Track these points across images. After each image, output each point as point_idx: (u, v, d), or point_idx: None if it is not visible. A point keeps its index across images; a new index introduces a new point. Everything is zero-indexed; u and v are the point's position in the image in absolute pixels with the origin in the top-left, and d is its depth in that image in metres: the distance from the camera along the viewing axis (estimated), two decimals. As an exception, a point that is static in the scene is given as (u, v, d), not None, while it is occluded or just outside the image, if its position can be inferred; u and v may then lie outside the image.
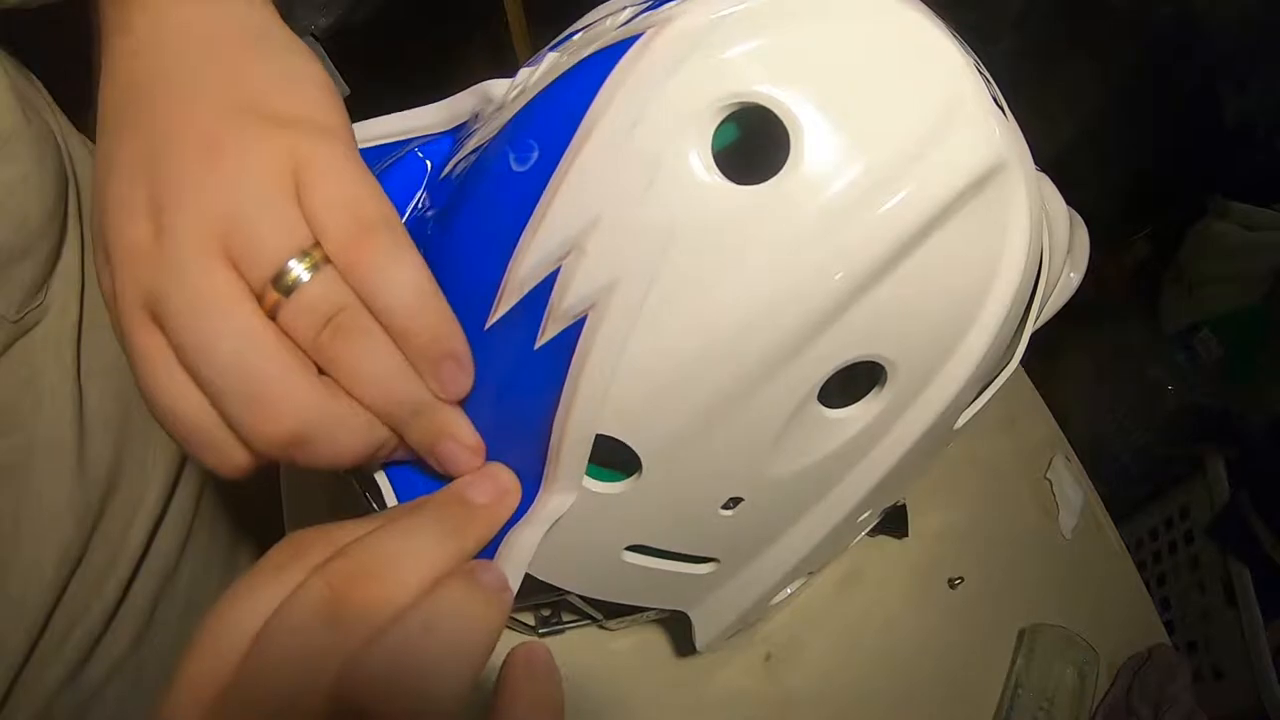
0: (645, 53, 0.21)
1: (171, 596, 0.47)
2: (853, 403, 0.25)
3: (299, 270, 0.21)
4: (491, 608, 0.21)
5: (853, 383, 0.24)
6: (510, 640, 0.22)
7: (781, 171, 0.21)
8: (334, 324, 0.22)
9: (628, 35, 0.22)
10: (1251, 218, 0.82)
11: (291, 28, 0.26)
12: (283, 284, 0.21)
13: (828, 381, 0.23)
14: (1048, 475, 0.53)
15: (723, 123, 0.21)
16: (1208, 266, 0.86)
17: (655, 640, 0.44)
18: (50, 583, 0.39)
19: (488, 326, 0.24)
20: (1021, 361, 0.31)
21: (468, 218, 0.25)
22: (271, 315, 0.22)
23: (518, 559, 0.26)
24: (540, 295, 0.23)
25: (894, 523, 0.48)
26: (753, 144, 0.24)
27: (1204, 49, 0.83)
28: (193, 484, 0.48)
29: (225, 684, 0.19)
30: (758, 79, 0.21)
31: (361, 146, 0.26)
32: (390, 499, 0.28)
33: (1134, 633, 0.49)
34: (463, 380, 0.24)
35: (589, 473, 0.25)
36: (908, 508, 0.48)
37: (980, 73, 0.22)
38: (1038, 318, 0.30)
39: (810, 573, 0.35)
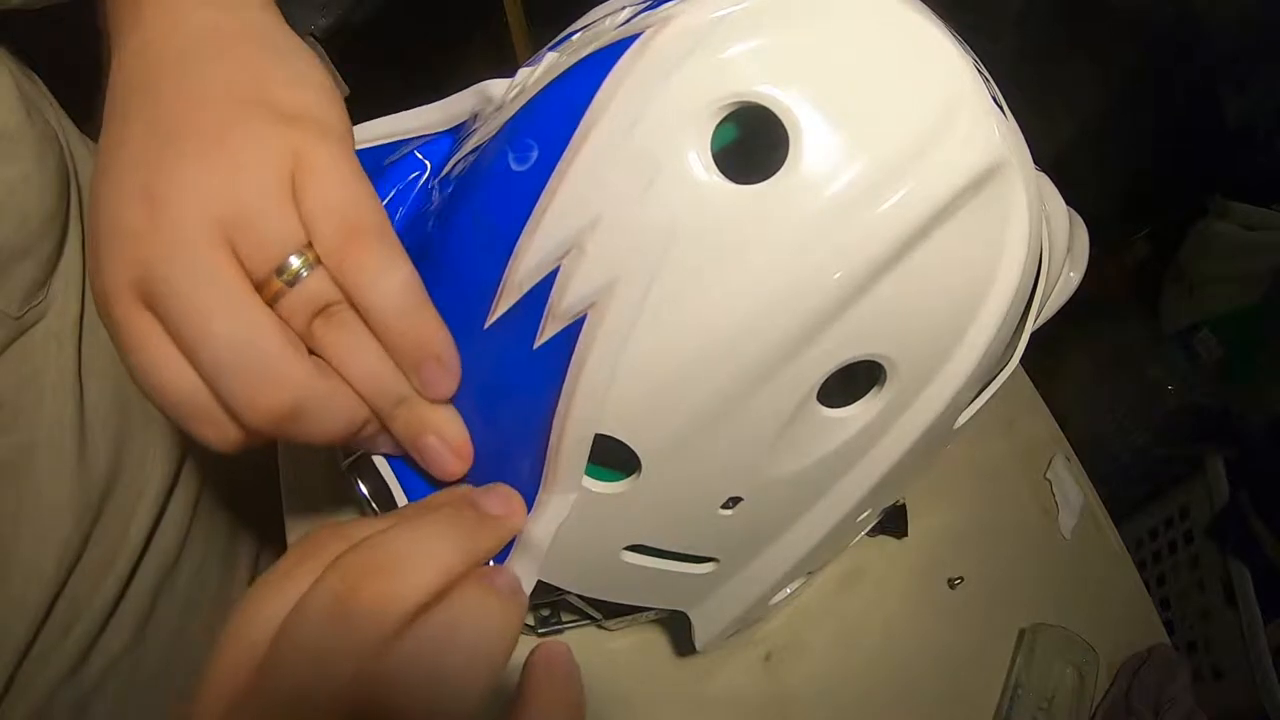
0: (644, 52, 0.21)
1: (171, 592, 0.47)
2: (853, 402, 0.25)
3: (298, 265, 0.22)
4: (509, 610, 0.21)
5: (852, 382, 0.24)
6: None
7: (781, 171, 0.21)
8: (326, 313, 0.23)
9: (627, 35, 0.22)
10: (1251, 218, 0.82)
11: (291, 28, 0.27)
12: (285, 276, 0.22)
13: (827, 381, 0.23)
14: (1048, 475, 0.53)
15: (722, 122, 0.21)
16: (1208, 266, 0.86)
17: (655, 640, 0.44)
18: (50, 579, 0.39)
19: (487, 326, 0.24)
20: (1021, 361, 0.31)
21: (467, 217, 0.25)
22: (271, 303, 0.23)
23: (528, 565, 0.26)
24: (539, 295, 0.23)
25: (894, 523, 0.48)
26: (752, 144, 0.24)
27: (1204, 49, 0.83)
28: (192, 480, 0.48)
29: (247, 683, 0.20)
30: (757, 78, 0.21)
31: (362, 147, 0.26)
32: (400, 498, 0.28)
33: (1134, 633, 0.49)
34: (446, 381, 0.25)
35: (588, 472, 0.25)
36: (907, 508, 0.48)
37: (980, 72, 0.22)
38: (1037, 317, 0.30)
39: (810, 572, 0.35)
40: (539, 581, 0.28)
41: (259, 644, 0.20)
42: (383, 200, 0.28)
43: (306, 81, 0.25)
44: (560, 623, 0.42)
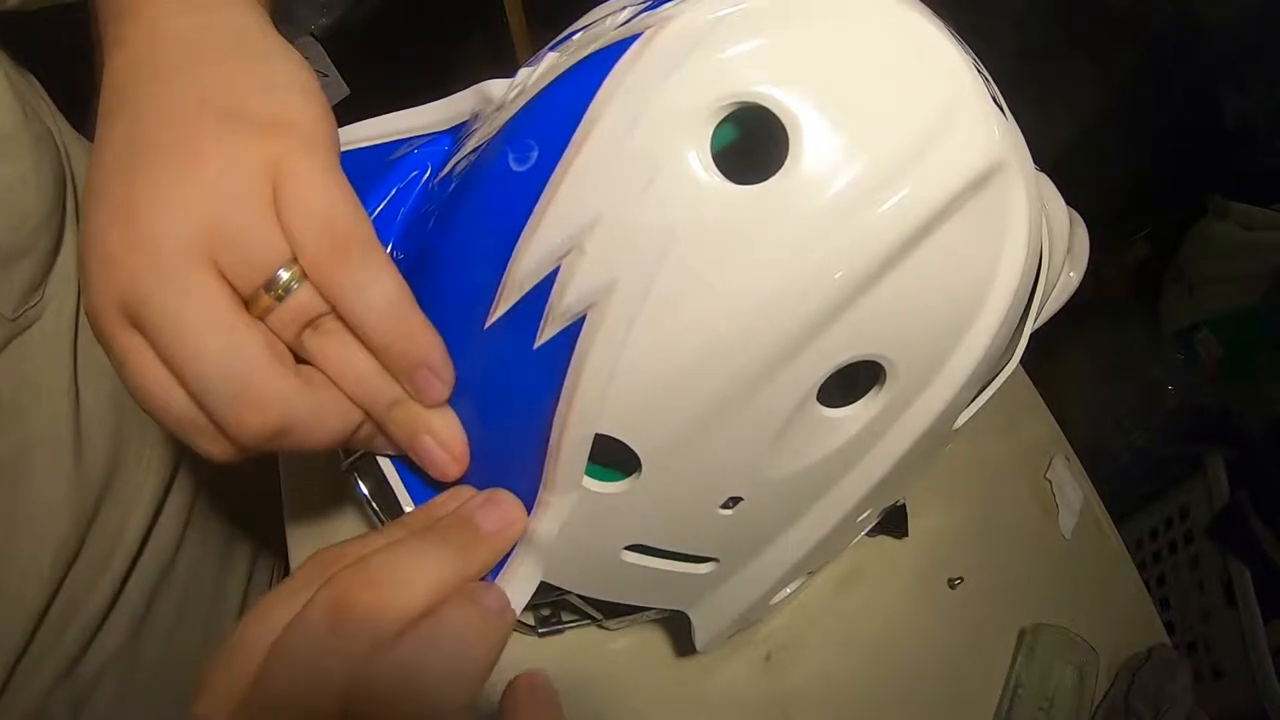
0: (644, 52, 0.21)
1: (167, 591, 0.47)
2: (852, 403, 0.25)
3: (286, 278, 0.22)
4: (492, 628, 0.22)
5: (852, 383, 0.24)
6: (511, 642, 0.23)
7: (780, 171, 0.21)
8: (316, 324, 0.23)
9: (627, 35, 0.22)
10: (1251, 218, 0.82)
11: (291, 27, 0.26)
12: (274, 292, 0.22)
13: (827, 381, 0.23)
14: (1048, 475, 0.53)
15: (722, 123, 0.21)
16: (1208, 266, 0.85)
17: (655, 640, 0.44)
18: (46, 579, 0.39)
19: (487, 326, 0.24)
20: (1021, 361, 0.31)
21: (467, 217, 0.25)
22: (260, 318, 0.23)
23: (530, 565, 0.26)
24: (540, 295, 0.23)
25: (894, 523, 0.48)
26: (752, 144, 0.24)
27: (1204, 49, 0.83)
28: (189, 480, 0.48)
29: (245, 692, 0.20)
30: (756, 79, 0.21)
31: (361, 146, 0.26)
32: (403, 496, 0.29)
33: (1134, 633, 0.49)
34: (439, 387, 0.25)
35: (588, 472, 0.25)
36: (907, 508, 0.48)
37: (979, 72, 0.22)
38: (1037, 317, 0.30)
39: (810, 572, 0.35)
40: (539, 582, 0.28)
41: (257, 657, 0.21)
42: (383, 199, 0.28)
43: (285, 86, 0.24)
44: (560, 623, 0.42)
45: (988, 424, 0.53)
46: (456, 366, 0.25)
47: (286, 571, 0.46)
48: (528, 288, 0.23)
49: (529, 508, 0.27)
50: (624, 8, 0.24)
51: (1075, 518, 0.52)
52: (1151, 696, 0.44)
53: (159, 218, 0.22)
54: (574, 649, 0.43)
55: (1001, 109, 0.23)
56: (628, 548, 0.28)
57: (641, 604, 0.32)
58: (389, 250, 0.28)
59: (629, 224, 0.21)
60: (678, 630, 0.44)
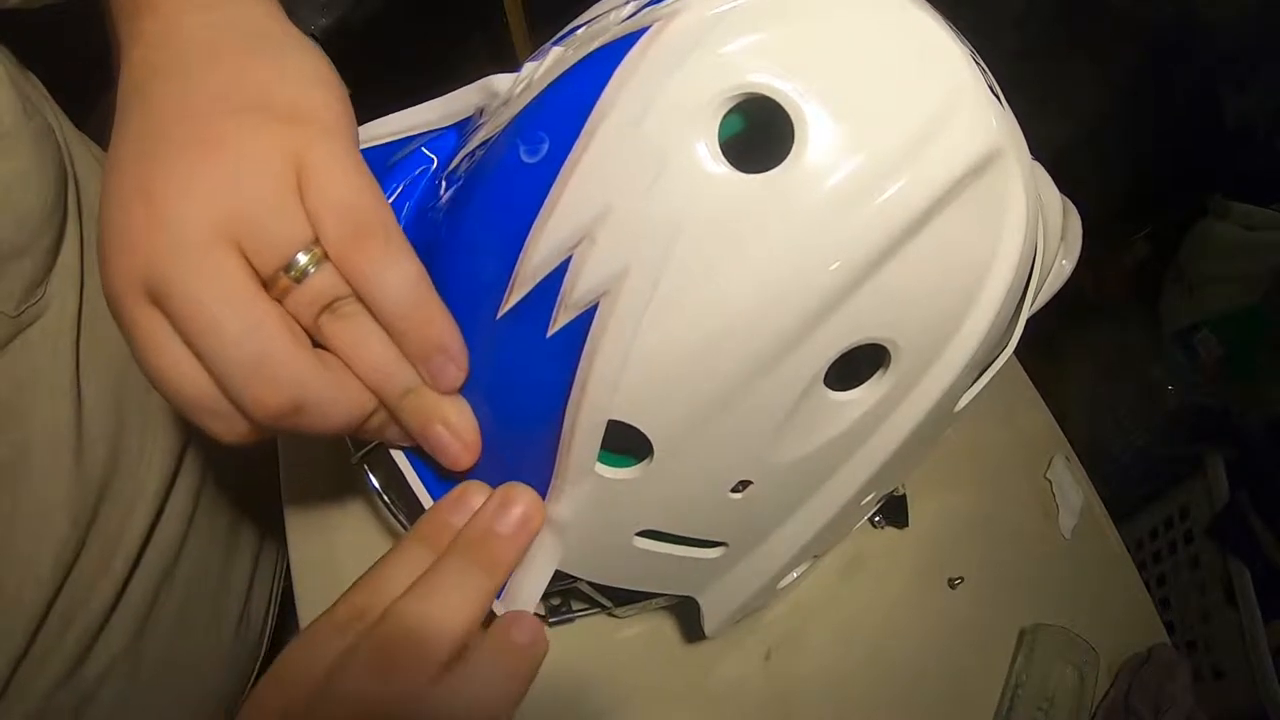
0: (652, 46, 0.22)
1: (169, 592, 0.47)
2: (852, 388, 0.25)
3: (305, 262, 0.23)
4: (524, 662, 0.25)
5: (853, 368, 0.25)
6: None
7: (787, 159, 0.21)
8: (333, 308, 0.24)
9: (634, 29, 0.22)
10: (1251, 218, 0.82)
11: (291, 27, 0.27)
12: (292, 273, 0.23)
13: (829, 367, 0.24)
14: (1048, 475, 0.53)
15: (729, 114, 0.22)
16: (1208, 266, 0.86)
17: (663, 629, 0.44)
18: (47, 580, 0.39)
19: (499, 316, 0.24)
20: (1022, 361, 0.31)
21: (478, 209, 0.25)
22: (278, 300, 0.23)
23: (545, 553, 0.27)
24: (552, 284, 0.23)
25: (895, 514, 0.48)
26: (758, 134, 0.24)
27: (1204, 49, 0.83)
28: (191, 480, 0.48)
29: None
30: (762, 70, 0.21)
31: (368, 145, 0.26)
32: (418, 488, 0.29)
33: (1134, 633, 0.49)
34: (454, 372, 0.25)
35: (600, 459, 0.25)
36: (908, 508, 0.48)
37: (976, 62, 0.23)
38: (1033, 303, 0.30)
39: (816, 556, 0.35)
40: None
41: (301, 684, 0.23)
42: (390, 196, 0.28)
43: (306, 78, 0.25)
44: (571, 611, 0.42)
45: (988, 423, 0.53)
46: (469, 357, 0.26)
47: (288, 569, 0.46)
48: (540, 278, 0.23)
49: (542, 496, 0.27)
50: (627, 2, 0.24)
51: (1075, 518, 0.52)
52: (1151, 696, 0.44)
53: (182, 199, 0.22)
54: (582, 638, 0.43)
55: (998, 98, 0.23)
56: (639, 534, 0.28)
57: (652, 590, 0.32)
58: None
59: (639, 213, 0.22)
60: (684, 618, 0.44)
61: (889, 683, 0.45)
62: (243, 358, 0.22)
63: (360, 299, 0.24)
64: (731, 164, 0.21)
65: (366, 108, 0.29)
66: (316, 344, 0.24)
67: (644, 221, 0.22)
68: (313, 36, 0.27)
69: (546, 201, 0.23)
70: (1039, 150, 0.25)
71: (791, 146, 0.21)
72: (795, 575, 0.34)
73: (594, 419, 0.24)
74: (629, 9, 0.24)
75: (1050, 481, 0.53)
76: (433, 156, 0.29)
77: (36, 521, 0.38)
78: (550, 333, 0.23)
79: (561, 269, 0.23)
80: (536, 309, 0.24)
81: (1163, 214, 0.94)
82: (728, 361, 0.23)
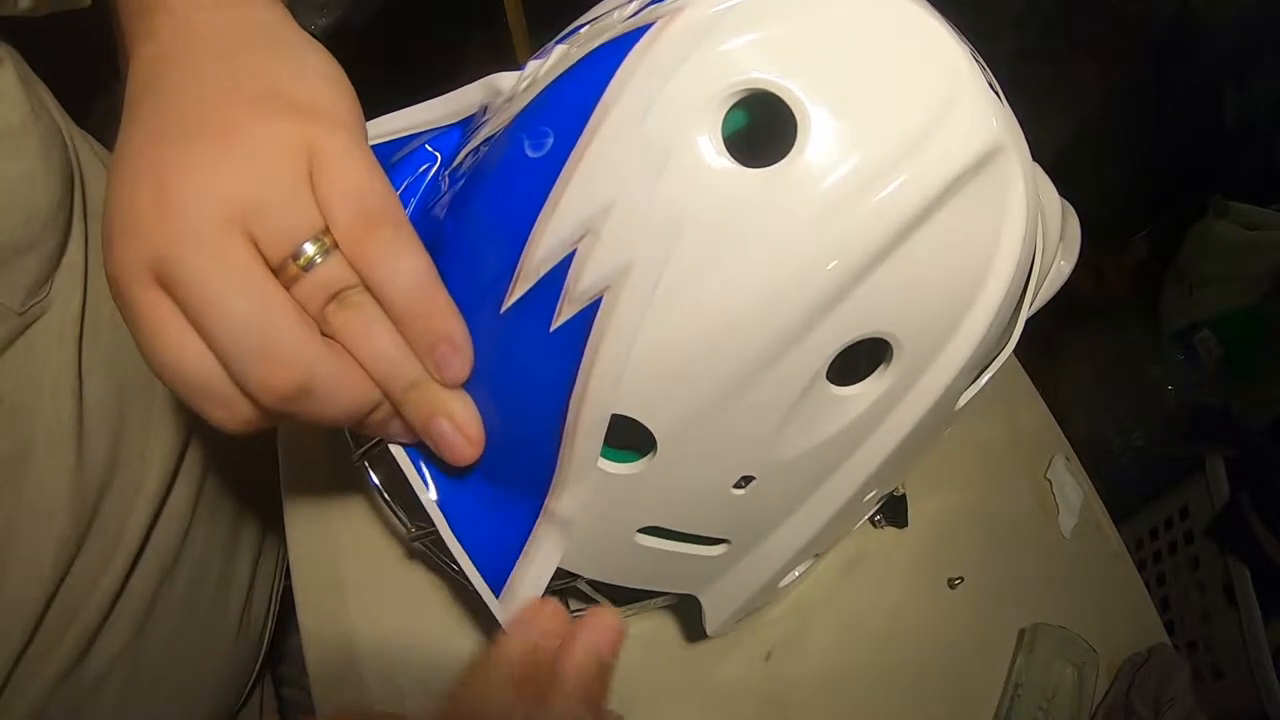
0: (656, 42, 0.22)
1: (170, 590, 0.47)
2: (852, 384, 0.25)
3: (313, 251, 0.23)
4: None
5: (852, 365, 0.25)
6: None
7: (790, 154, 0.21)
8: (340, 298, 0.24)
9: (637, 26, 0.23)
10: (1251, 218, 0.82)
11: (291, 28, 0.27)
12: (300, 262, 0.23)
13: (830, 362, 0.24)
14: (1048, 475, 0.53)
15: (732, 109, 0.22)
16: (1208, 266, 0.85)
17: (663, 628, 0.44)
18: (47, 578, 0.39)
19: (503, 310, 0.25)
20: (1022, 361, 0.31)
21: (483, 204, 0.26)
22: (286, 287, 0.23)
23: (548, 550, 0.27)
24: (556, 278, 0.23)
25: (895, 514, 0.48)
26: (761, 129, 0.25)
27: (1204, 49, 0.83)
28: (191, 477, 0.48)
29: None
30: (765, 66, 0.21)
31: (372, 142, 0.27)
32: (419, 487, 0.29)
33: (1134, 633, 0.49)
34: (459, 364, 0.25)
35: (603, 454, 0.25)
36: (909, 508, 0.48)
37: (976, 60, 0.23)
38: (1032, 304, 0.31)
39: (817, 554, 0.35)
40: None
41: None
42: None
43: (317, 76, 0.25)
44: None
45: (988, 424, 0.53)
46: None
47: (289, 568, 0.46)
48: (544, 271, 0.23)
49: (544, 492, 0.27)
50: (629, 1, 0.24)
51: (1075, 518, 0.52)
52: (1151, 696, 0.44)
53: (193, 184, 0.22)
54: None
55: (998, 96, 0.24)
56: (642, 530, 0.28)
57: (654, 588, 0.32)
58: None
59: (643, 208, 0.22)
60: (685, 618, 0.44)
61: (889, 683, 0.45)
62: (251, 338, 0.22)
63: (368, 288, 0.24)
64: (735, 159, 0.22)
65: (366, 108, 0.30)
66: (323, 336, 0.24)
67: (647, 216, 0.22)
68: (313, 36, 0.27)
69: (550, 196, 0.23)
70: (1039, 150, 0.25)
71: (794, 142, 0.21)
72: (797, 574, 0.34)
73: (597, 413, 0.24)
74: (632, 7, 0.24)
75: (1050, 481, 0.53)
76: (436, 153, 0.29)
77: (37, 519, 0.38)
78: (554, 327, 0.24)
79: (565, 263, 0.23)
80: (540, 304, 0.24)
81: (1163, 214, 0.94)
82: (731, 355, 0.23)
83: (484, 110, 0.28)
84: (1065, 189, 0.35)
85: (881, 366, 0.25)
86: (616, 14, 0.25)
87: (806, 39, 0.22)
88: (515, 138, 0.24)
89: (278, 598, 0.58)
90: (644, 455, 0.25)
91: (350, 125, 0.25)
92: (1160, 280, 0.92)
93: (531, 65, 0.26)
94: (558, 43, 0.26)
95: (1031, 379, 0.56)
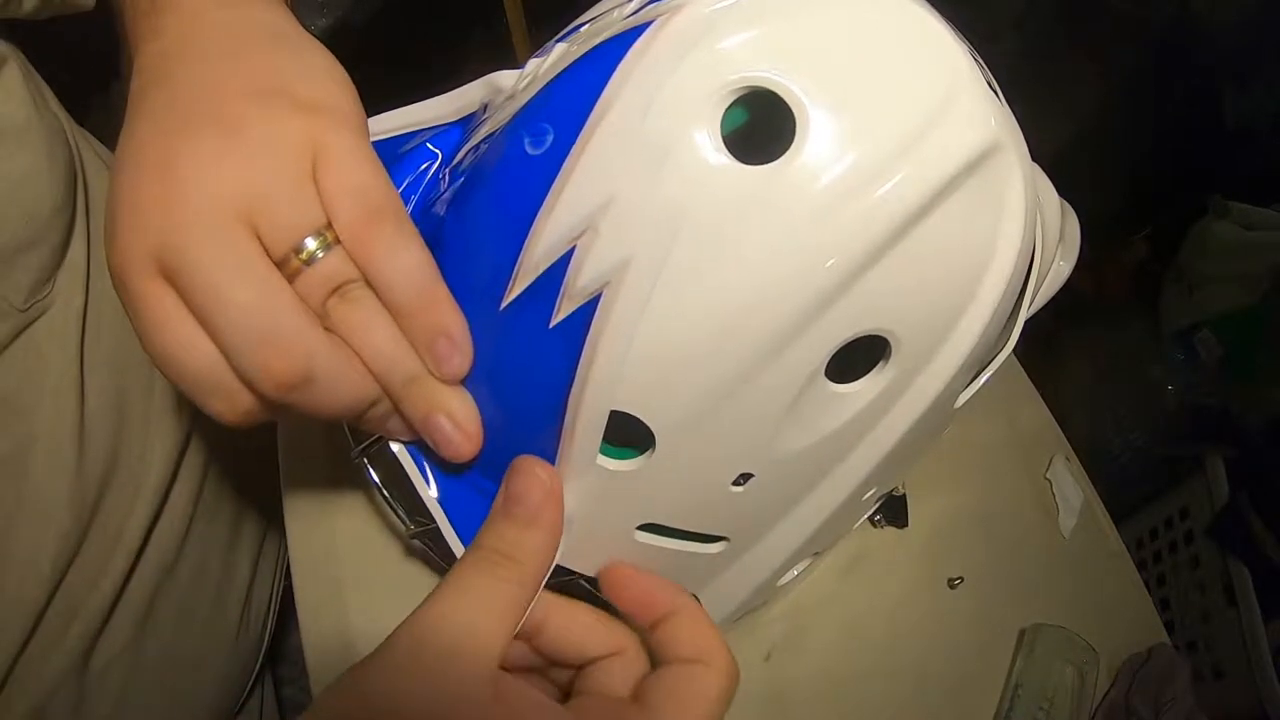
0: (656, 39, 0.22)
1: (170, 589, 0.47)
2: (849, 382, 0.25)
3: (315, 245, 0.23)
4: None
5: (850, 363, 0.25)
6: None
7: (789, 151, 0.21)
8: (341, 292, 0.24)
9: (637, 24, 0.23)
10: (1251, 218, 0.82)
11: (292, 28, 0.27)
12: (303, 255, 0.23)
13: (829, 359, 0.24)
14: (1048, 475, 0.53)
15: (732, 107, 0.22)
16: (1208, 266, 0.86)
17: None
18: (47, 577, 0.39)
19: (503, 307, 0.25)
20: (1022, 361, 0.31)
21: (483, 201, 0.26)
22: (288, 280, 0.23)
23: None
24: (555, 275, 0.23)
25: (895, 516, 0.48)
26: (761, 126, 0.25)
27: (1204, 49, 0.83)
28: (191, 477, 0.48)
29: None
30: (764, 63, 0.21)
31: (373, 140, 0.27)
32: (420, 485, 0.29)
33: (1134, 633, 0.49)
34: (458, 360, 0.25)
35: (602, 451, 0.25)
36: (909, 508, 0.48)
37: (974, 59, 0.23)
38: (1031, 303, 0.31)
39: (816, 553, 0.35)
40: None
41: None
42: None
43: (322, 75, 0.26)
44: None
45: (988, 423, 0.53)
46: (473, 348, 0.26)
47: (289, 566, 0.46)
48: (544, 268, 0.23)
49: None
50: (629, 0, 0.25)
51: (1075, 518, 0.52)
52: (1151, 696, 0.44)
53: (199, 175, 0.23)
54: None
55: (997, 94, 0.24)
56: (640, 527, 0.28)
57: (653, 587, 0.32)
58: None
59: (642, 204, 0.22)
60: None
61: (889, 683, 0.45)
62: (254, 327, 0.22)
63: (369, 282, 0.24)
64: (735, 156, 0.22)
65: (367, 106, 0.30)
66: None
67: (647, 212, 0.22)
68: (313, 36, 0.27)
69: (550, 192, 0.23)
70: (1039, 151, 0.25)
71: (792, 140, 0.21)
72: (796, 572, 0.34)
73: (596, 410, 0.24)
74: (632, 5, 0.24)
75: (1050, 481, 0.53)
76: (437, 151, 0.29)
77: (38, 516, 0.38)
78: (553, 323, 0.24)
79: (565, 259, 0.23)
80: (540, 300, 0.24)
81: (1163, 214, 0.94)
82: (731, 351, 0.23)
83: (484, 108, 0.28)
84: (1065, 189, 0.35)
85: (880, 364, 0.25)
86: (616, 12, 0.25)
87: (805, 37, 0.22)
88: (515, 135, 0.24)
89: (278, 597, 0.58)
90: (643, 452, 0.25)
91: (353, 123, 0.25)
92: (1160, 280, 0.92)
93: (532, 63, 0.26)
94: (558, 41, 0.26)
95: (1031, 379, 0.56)
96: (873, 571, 0.48)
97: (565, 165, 0.23)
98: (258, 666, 0.56)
